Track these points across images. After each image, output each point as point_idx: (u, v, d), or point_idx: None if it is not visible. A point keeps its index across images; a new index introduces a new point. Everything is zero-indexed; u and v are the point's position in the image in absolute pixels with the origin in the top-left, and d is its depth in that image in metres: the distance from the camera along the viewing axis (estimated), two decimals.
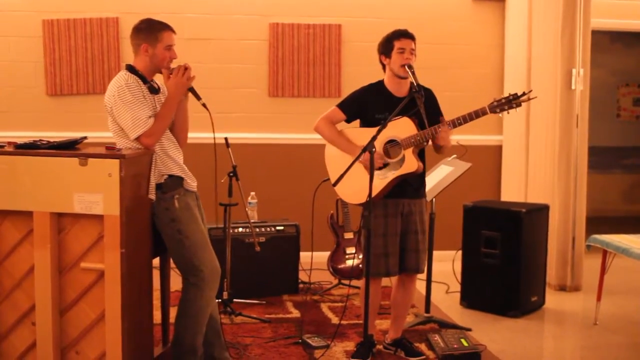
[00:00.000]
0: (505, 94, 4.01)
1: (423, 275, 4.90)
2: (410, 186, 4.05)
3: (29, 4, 6.17)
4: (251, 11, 6.39)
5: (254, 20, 6.37)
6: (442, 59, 6.61)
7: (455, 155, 4.87)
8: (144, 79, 3.62)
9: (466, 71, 6.70)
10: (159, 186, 3.58)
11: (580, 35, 5.70)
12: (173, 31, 3.67)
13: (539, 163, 6.03)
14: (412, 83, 4.01)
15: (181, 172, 3.65)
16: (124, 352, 3.32)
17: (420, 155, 4.07)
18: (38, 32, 6.15)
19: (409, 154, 3.96)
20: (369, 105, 4.08)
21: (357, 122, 4.19)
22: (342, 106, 4.14)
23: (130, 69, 3.63)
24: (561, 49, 5.73)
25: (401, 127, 3.94)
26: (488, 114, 3.96)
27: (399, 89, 4.07)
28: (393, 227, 4.03)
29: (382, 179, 3.96)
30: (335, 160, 4.12)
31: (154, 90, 3.66)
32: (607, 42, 9.16)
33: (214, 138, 3.70)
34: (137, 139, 3.50)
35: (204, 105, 3.65)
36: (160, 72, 3.67)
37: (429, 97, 4.05)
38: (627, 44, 9.43)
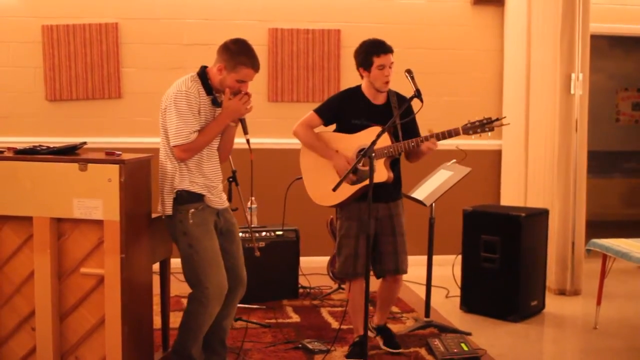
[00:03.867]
0: (480, 117, 3.99)
1: (423, 280, 4.92)
2: (385, 190, 4.07)
3: (29, 10, 6.18)
4: (250, 16, 6.40)
5: (253, 25, 6.37)
6: (441, 63, 6.61)
7: (454, 160, 4.87)
8: (209, 89, 3.58)
9: (465, 76, 6.70)
10: (176, 198, 3.54)
11: (580, 40, 5.71)
12: (254, 69, 3.57)
13: (538, 167, 6.03)
14: (389, 91, 4.08)
15: (204, 189, 3.58)
16: (123, 357, 3.32)
17: (394, 163, 4.11)
18: (38, 38, 6.15)
19: (380, 165, 4.01)
20: (345, 111, 4.13)
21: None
22: (319, 111, 4.20)
23: (203, 73, 3.59)
24: (560, 54, 5.74)
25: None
26: (460, 135, 3.96)
27: (376, 97, 4.13)
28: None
29: (352, 186, 4.03)
30: (308, 164, 4.21)
31: (217, 103, 3.60)
32: (606, 46, 9.14)
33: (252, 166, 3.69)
34: (174, 148, 3.49)
35: (247, 141, 3.62)
36: (222, 91, 3.59)
37: (408, 107, 3.99)
38: (626, 49, 9.42)
